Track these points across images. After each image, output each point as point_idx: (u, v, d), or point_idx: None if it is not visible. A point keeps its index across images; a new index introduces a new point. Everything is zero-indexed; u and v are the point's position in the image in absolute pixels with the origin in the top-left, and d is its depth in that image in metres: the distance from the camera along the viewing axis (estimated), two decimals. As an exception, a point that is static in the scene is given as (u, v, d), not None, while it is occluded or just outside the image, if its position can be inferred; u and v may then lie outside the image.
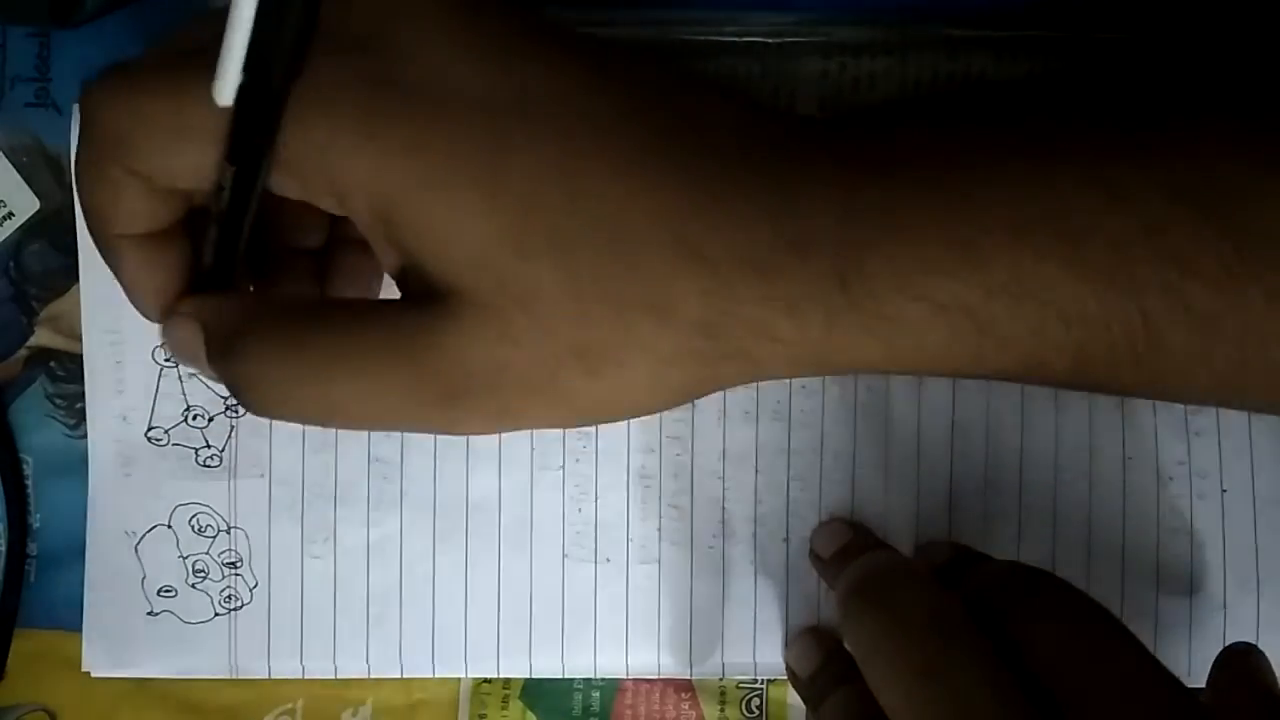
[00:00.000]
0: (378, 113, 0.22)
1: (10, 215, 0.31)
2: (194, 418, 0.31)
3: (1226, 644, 0.28)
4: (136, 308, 0.25)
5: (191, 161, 0.22)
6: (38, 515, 0.31)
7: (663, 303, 0.23)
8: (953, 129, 0.25)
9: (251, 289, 0.27)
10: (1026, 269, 0.23)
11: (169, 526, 0.31)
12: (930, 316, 0.23)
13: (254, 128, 0.21)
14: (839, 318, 0.23)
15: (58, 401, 0.31)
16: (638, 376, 0.23)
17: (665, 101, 0.24)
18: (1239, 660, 0.27)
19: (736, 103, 0.25)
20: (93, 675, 0.31)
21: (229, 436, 0.31)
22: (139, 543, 0.31)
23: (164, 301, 0.25)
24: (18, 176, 0.31)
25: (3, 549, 0.31)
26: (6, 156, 0.31)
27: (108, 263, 0.25)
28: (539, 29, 0.23)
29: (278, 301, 0.27)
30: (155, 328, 0.25)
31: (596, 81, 0.23)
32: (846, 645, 0.26)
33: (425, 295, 0.23)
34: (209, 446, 0.31)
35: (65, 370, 0.31)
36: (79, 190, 0.24)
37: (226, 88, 0.21)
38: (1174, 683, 0.23)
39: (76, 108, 0.29)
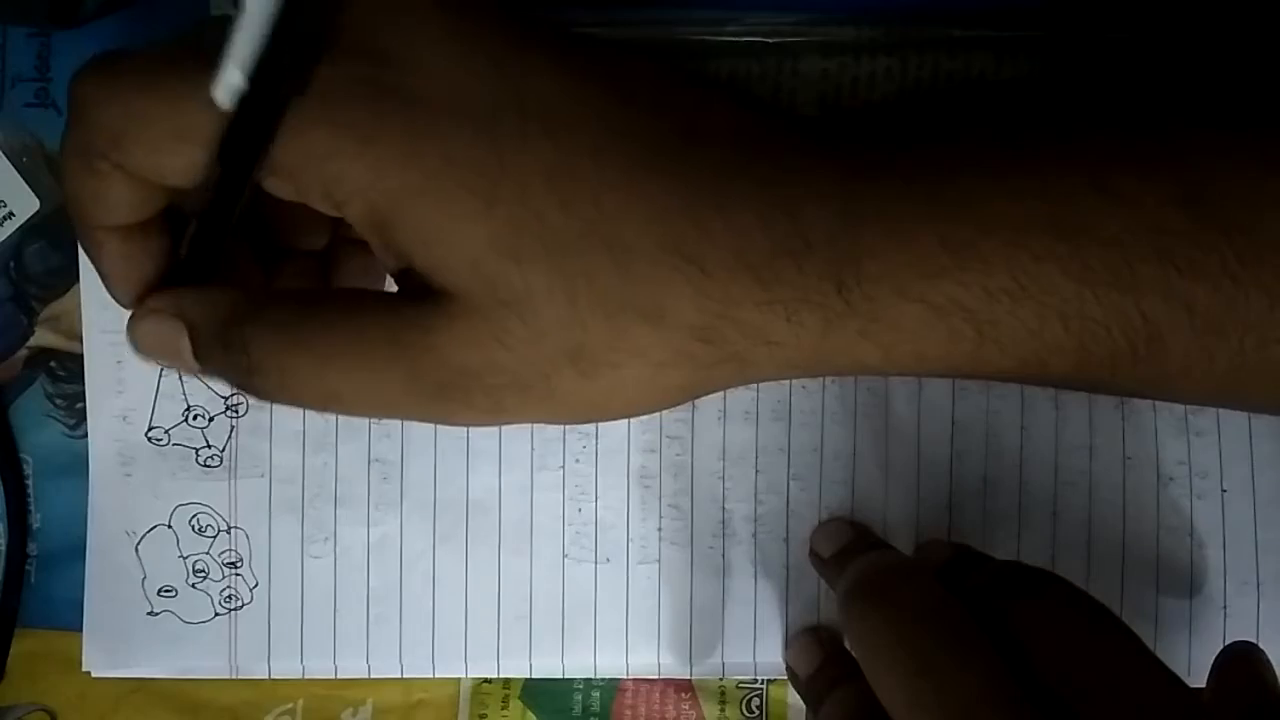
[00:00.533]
0: (375, 120, 0.22)
1: (10, 215, 0.31)
2: (194, 418, 0.31)
3: (1226, 644, 0.28)
4: (113, 296, 0.25)
5: (184, 161, 0.22)
6: (38, 515, 0.31)
7: (657, 307, 0.23)
8: (951, 132, 0.25)
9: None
10: (1026, 270, 0.23)
11: (169, 526, 0.31)
12: (928, 319, 0.23)
13: (250, 133, 0.21)
14: (836, 322, 0.23)
15: (58, 401, 0.31)
16: (631, 379, 0.23)
17: (662, 104, 0.24)
18: (1239, 660, 0.27)
19: (735, 104, 0.25)
20: (93, 675, 0.31)
21: (229, 436, 0.31)
22: (139, 543, 0.31)
23: (139, 291, 0.25)
24: (18, 176, 0.31)
25: (3, 549, 0.31)
26: (6, 156, 0.31)
27: (86, 251, 0.25)
28: (536, 33, 0.23)
29: (277, 292, 0.27)
30: None
31: (593, 86, 0.23)
32: (847, 645, 0.26)
33: (423, 293, 0.23)
34: (209, 446, 0.31)
35: (65, 370, 0.31)
36: (64, 178, 0.24)
37: (228, 91, 0.20)
38: (1176, 682, 0.23)
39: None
